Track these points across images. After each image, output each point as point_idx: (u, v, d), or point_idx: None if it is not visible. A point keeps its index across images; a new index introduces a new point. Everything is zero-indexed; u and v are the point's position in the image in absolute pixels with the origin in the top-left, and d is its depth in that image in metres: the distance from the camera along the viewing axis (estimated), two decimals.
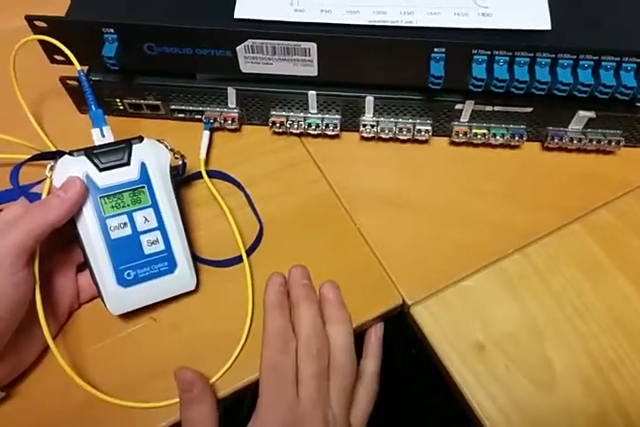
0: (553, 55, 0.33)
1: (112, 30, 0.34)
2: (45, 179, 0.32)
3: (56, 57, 0.36)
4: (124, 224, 0.32)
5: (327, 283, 0.35)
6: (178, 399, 0.31)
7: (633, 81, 0.33)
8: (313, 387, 0.31)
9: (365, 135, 0.40)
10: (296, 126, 0.39)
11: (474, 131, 0.39)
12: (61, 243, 0.34)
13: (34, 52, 0.35)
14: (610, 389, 0.32)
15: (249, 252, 0.36)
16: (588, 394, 0.32)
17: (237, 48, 0.35)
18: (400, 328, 0.36)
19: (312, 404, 0.30)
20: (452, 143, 0.40)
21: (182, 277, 0.33)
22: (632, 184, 0.39)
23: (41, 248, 0.30)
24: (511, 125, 0.39)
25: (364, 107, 0.38)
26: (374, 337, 0.36)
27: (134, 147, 0.33)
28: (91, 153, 0.32)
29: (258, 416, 0.30)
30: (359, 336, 0.35)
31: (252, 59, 0.35)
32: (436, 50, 0.33)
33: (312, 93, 0.38)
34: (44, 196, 0.31)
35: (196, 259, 0.36)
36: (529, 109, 0.38)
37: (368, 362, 0.35)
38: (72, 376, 0.30)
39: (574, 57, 0.33)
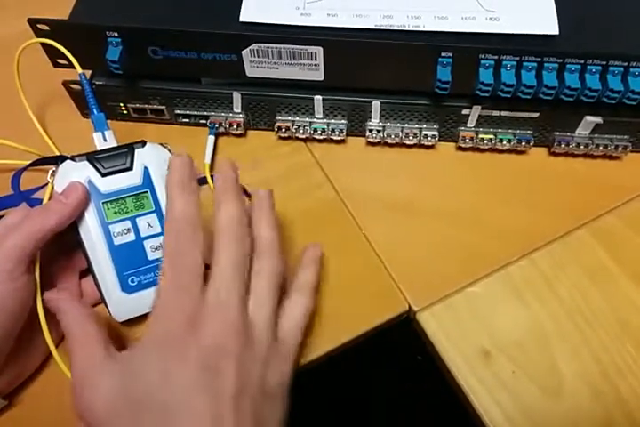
0: (560, 60, 0.33)
1: (116, 34, 0.34)
2: (47, 184, 0.32)
3: (59, 61, 0.36)
4: (128, 230, 0.32)
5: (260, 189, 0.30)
6: None
7: None
8: (228, 275, 0.26)
9: (371, 140, 0.39)
10: (302, 131, 0.39)
11: (480, 136, 0.39)
12: (64, 249, 0.33)
13: (37, 55, 0.35)
14: (617, 395, 0.32)
15: None
16: (596, 401, 0.32)
17: (243, 52, 0.34)
18: (406, 334, 0.36)
19: (225, 294, 0.25)
20: (459, 148, 0.40)
21: None
22: (638, 190, 0.39)
23: (43, 254, 0.30)
24: (518, 131, 0.39)
25: (370, 112, 0.38)
26: (312, 248, 0.32)
27: (137, 151, 0.32)
28: (93, 158, 0.32)
29: (153, 313, 0.26)
30: (364, 344, 0.34)
31: (257, 63, 0.35)
32: (443, 54, 0.33)
33: (318, 98, 0.37)
34: (45, 202, 0.31)
35: None
36: (536, 115, 0.37)
37: (305, 271, 0.31)
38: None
39: (582, 62, 0.33)
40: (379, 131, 0.39)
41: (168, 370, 0.25)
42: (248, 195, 0.38)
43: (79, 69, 0.33)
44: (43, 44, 0.34)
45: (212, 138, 0.39)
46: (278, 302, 0.29)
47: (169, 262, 0.27)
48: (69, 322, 0.28)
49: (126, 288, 0.32)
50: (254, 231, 0.29)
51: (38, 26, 0.34)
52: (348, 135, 0.40)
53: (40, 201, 0.31)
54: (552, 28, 0.34)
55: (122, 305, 0.32)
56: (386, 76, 0.35)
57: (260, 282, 0.28)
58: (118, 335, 0.33)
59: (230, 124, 0.39)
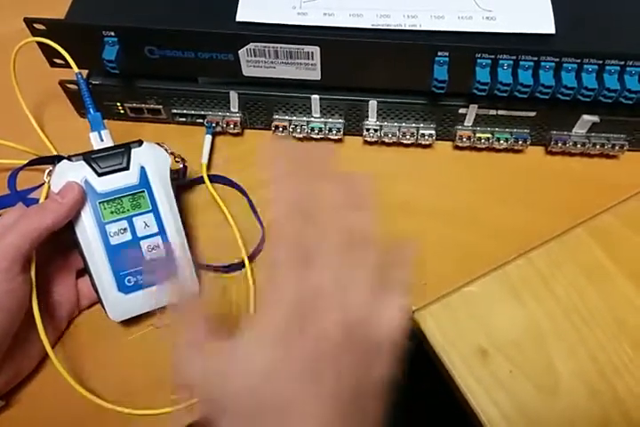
0: (557, 59, 0.33)
1: (112, 33, 0.34)
2: (43, 184, 0.31)
3: (56, 60, 0.36)
4: (124, 230, 0.32)
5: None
6: (180, 406, 0.31)
7: (637, 85, 0.33)
8: (334, 259, 0.25)
9: (369, 139, 0.39)
10: (299, 131, 0.39)
11: (478, 135, 0.39)
12: (60, 249, 0.33)
13: (34, 55, 0.35)
14: (614, 394, 0.32)
15: (251, 257, 0.36)
16: (592, 399, 0.32)
17: (239, 52, 0.34)
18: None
19: (332, 276, 0.25)
20: (456, 147, 0.40)
21: (184, 282, 0.33)
22: (636, 188, 0.39)
23: (39, 254, 0.30)
24: (515, 130, 0.39)
25: (367, 111, 0.38)
26: (409, 246, 0.29)
27: (133, 151, 0.32)
28: (89, 158, 0.32)
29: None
30: None
31: (254, 62, 0.35)
32: (439, 54, 0.33)
33: (315, 97, 0.37)
34: (41, 201, 0.31)
35: (198, 264, 0.35)
36: (533, 113, 0.37)
37: (400, 270, 0.29)
38: (72, 384, 0.30)
39: (578, 61, 0.33)
40: (376, 130, 0.39)
41: (274, 364, 0.23)
42: (243, 192, 0.38)
43: (75, 69, 0.33)
44: (39, 44, 0.34)
45: (209, 137, 0.39)
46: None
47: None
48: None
49: (123, 288, 0.32)
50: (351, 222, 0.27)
51: (35, 25, 0.34)
52: (345, 134, 0.40)
53: (36, 201, 0.31)
54: (548, 27, 0.34)
55: (118, 305, 0.32)
56: (383, 76, 0.35)
57: (359, 276, 0.26)
58: (114, 336, 0.33)
59: (227, 124, 0.39)
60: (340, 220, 0.27)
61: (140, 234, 0.32)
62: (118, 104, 0.39)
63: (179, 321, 0.26)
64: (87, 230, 0.31)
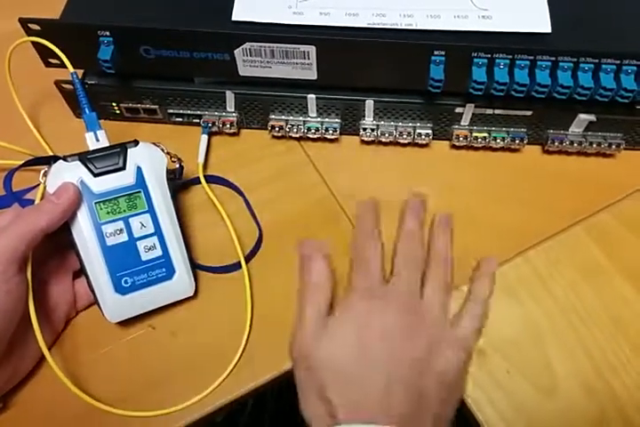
0: (553, 58, 0.33)
1: (108, 33, 0.34)
2: (39, 184, 0.31)
3: (51, 60, 0.36)
4: (121, 230, 0.32)
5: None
6: (177, 408, 0.31)
7: (633, 84, 0.33)
8: (404, 270, 0.32)
9: (365, 139, 0.39)
10: (295, 130, 0.39)
11: (474, 134, 0.39)
12: (57, 249, 0.33)
13: (29, 55, 0.35)
14: (611, 393, 0.32)
15: (248, 258, 0.36)
16: (589, 398, 0.32)
17: (235, 51, 0.34)
18: None
19: (403, 286, 0.32)
20: (453, 147, 0.40)
21: (180, 283, 0.33)
22: (632, 187, 0.39)
23: (35, 255, 0.30)
24: (511, 129, 0.39)
25: (363, 110, 0.38)
26: (488, 261, 0.35)
27: (129, 151, 0.32)
28: (85, 158, 0.31)
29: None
30: None
31: (250, 62, 0.35)
32: (435, 53, 0.33)
33: (311, 97, 0.37)
34: (37, 202, 0.31)
35: (195, 265, 0.35)
36: (529, 113, 0.37)
37: (479, 284, 0.34)
38: (68, 386, 0.29)
39: (574, 60, 0.33)
40: (372, 129, 0.39)
41: (355, 339, 0.30)
42: (239, 192, 0.38)
43: (71, 69, 0.33)
44: (34, 44, 0.34)
45: (205, 137, 0.39)
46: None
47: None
48: (313, 272, 0.32)
49: (120, 289, 0.31)
50: (431, 244, 0.35)
51: (29, 25, 0.33)
52: (341, 134, 0.40)
53: (32, 202, 0.31)
54: (544, 26, 0.34)
55: (115, 306, 0.32)
56: (379, 75, 0.35)
57: (431, 284, 0.32)
58: (111, 337, 0.33)
59: (223, 124, 0.39)
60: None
61: (136, 234, 0.32)
62: (114, 104, 0.39)
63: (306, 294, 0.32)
64: (83, 231, 0.31)
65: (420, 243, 0.34)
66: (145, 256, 0.32)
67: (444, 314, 0.32)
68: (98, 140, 0.33)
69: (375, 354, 0.29)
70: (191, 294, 0.34)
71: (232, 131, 0.40)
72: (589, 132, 0.38)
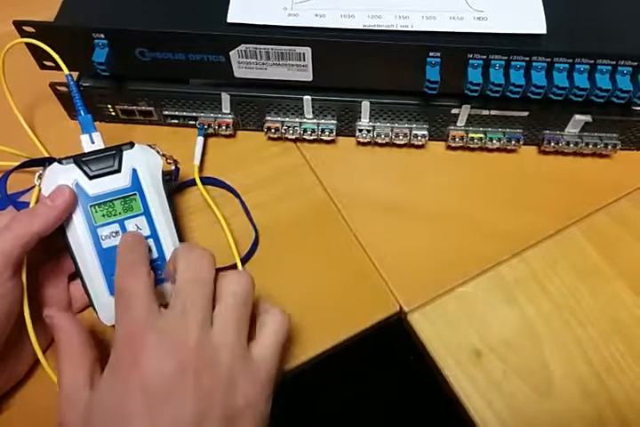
0: (549, 59, 0.33)
1: (102, 35, 0.34)
2: (34, 187, 0.31)
3: (45, 63, 0.35)
4: (116, 233, 0.31)
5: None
6: None
7: (629, 85, 0.33)
8: (187, 293, 0.26)
9: (361, 140, 0.39)
10: (291, 132, 0.39)
11: (470, 135, 0.39)
12: (51, 252, 0.33)
13: (24, 57, 0.35)
14: (607, 394, 0.32)
15: (244, 260, 0.36)
16: (586, 399, 0.32)
17: (230, 53, 0.34)
18: (398, 335, 0.35)
19: (182, 315, 0.25)
20: (449, 148, 0.40)
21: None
22: (629, 188, 0.39)
23: (30, 258, 0.30)
24: (508, 129, 0.39)
25: (359, 112, 0.38)
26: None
27: (125, 153, 0.32)
28: (80, 161, 0.31)
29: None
30: (356, 344, 0.34)
31: (245, 64, 0.35)
32: (431, 54, 0.33)
33: (307, 98, 0.37)
34: (31, 205, 0.31)
35: None
36: (525, 114, 0.37)
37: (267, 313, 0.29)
38: None
39: (570, 61, 0.33)
40: (369, 131, 0.39)
41: (122, 400, 0.25)
42: (236, 194, 0.38)
43: (66, 71, 0.33)
44: (29, 46, 0.34)
45: (201, 139, 0.39)
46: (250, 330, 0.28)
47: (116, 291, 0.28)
48: (62, 339, 0.28)
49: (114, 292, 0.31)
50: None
51: (24, 28, 0.33)
52: (337, 135, 0.40)
53: (27, 204, 0.31)
54: (540, 27, 0.34)
55: (110, 309, 0.31)
56: (375, 77, 0.35)
57: (224, 303, 0.27)
58: (107, 340, 0.33)
59: (219, 125, 0.39)
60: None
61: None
62: (109, 106, 0.39)
63: (62, 364, 0.27)
64: (78, 234, 0.31)
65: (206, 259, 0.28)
66: None
67: (235, 354, 0.26)
68: (93, 142, 0.33)
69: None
70: None
71: (228, 132, 0.40)
72: (585, 133, 0.38)
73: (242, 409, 0.25)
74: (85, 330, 0.29)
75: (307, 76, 0.35)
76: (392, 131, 0.39)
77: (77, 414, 0.26)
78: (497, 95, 0.34)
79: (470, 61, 0.33)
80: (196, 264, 0.28)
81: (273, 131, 0.39)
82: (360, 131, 0.39)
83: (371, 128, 0.39)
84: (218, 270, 0.28)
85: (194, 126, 0.40)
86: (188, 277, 0.27)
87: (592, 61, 0.33)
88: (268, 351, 0.27)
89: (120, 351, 0.26)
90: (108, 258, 0.31)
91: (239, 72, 0.35)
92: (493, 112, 0.37)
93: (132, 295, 0.27)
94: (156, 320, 0.26)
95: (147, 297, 0.27)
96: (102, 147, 0.33)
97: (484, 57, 0.33)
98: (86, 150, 0.33)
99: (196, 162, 0.38)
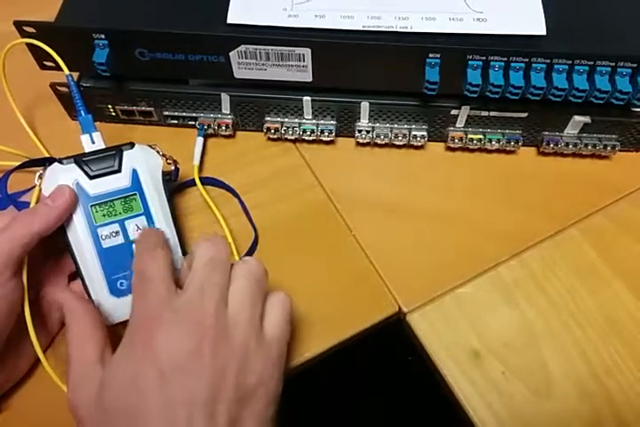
0: (548, 60, 0.33)
1: (103, 36, 0.34)
2: (34, 187, 0.31)
3: (46, 63, 0.36)
4: (116, 233, 0.32)
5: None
6: None
7: (628, 86, 0.33)
8: (203, 274, 0.27)
9: (361, 141, 0.39)
10: (291, 132, 0.39)
11: (469, 136, 0.39)
12: (52, 252, 0.33)
13: (24, 57, 0.35)
14: (606, 395, 0.32)
15: None
16: (585, 400, 0.32)
17: (230, 54, 0.34)
18: (397, 335, 0.36)
19: (199, 294, 0.26)
20: (448, 149, 0.40)
21: None
22: (628, 189, 0.39)
23: (31, 258, 0.30)
24: (507, 131, 0.39)
25: (359, 112, 0.38)
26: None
27: (125, 153, 0.32)
28: (80, 160, 0.31)
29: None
30: (355, 344, 0.34)
31: (245, 64, 0.35)
32: (431, 55, 0.33)
33: (307, 99, 0.37)
34: (32, 205, 0.31)
35: None
36: (524, 115, 0.37)
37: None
38: (64, 389, 0.29)
39: (569, 62, 0.33)
40: (368, 131, 0.39)
41: (136, 375, 0.25)
42: (235, 194, 0.38)
43: (66, 71, 0.33)
44: (29, 47, 0.34)
45: (200, 139, 0.39)
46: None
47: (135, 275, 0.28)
48: (72, 320, 0.29)
49: (115, 292, 0.31)
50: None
51: (24, 28, 0.33)
52: (337, 136, 0.40)
53: (28, 204, 0.31)
54: (539, 28, 0.34)
55: (111, 309, 0.32)
56: (374, 77, 0.35)
57: (238, 283, 0.28)
58: (115, 336, 0.33)
59: (219, 126, 0.39)
60: None
61: (132, 237, 0.32)
62: (109, 106, 0.39)
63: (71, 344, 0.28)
64: (79, 234, 0.31)
65: (222, 242, 0.29)
66: None
67: (251, 333, 0.26)
68: (93, 142, 0.33)
69: (151, 406, 0.24)
70: None
71: (228, 133, 0.40)
72: (585, 134, 0.39)
73: (254, 387, 0.26)
74: (95, 309, 0.30)
75: (306, 76, 0.36)
76: (391, 132, 0.39)
77: (89, 392, 0.26)
78: (496, 96, 0.34)
79: (470, 62, 0.33)
80: (210, 248, 0.28)
81: (272, 131, 0.39)
82: (359, 131, 0.39)
83: (370, 129, 0.39)
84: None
85: (194, 127, 0.40)
86: (204, 259, 0.28)
87: (591, 63, 0.33)
88: (277, 330, 0.28)
89: (135, 329, 0.26)
90: (108, 258, 0.31)
91: (239, 73, 0.36)
92: (493, 113, 0.37)
93: (150, 277, 0.27)
94: (172, 300, 0.26)
95: (164, 278, 0.27)
96: (103, 147, 0.33)
97: (484, 58, 0.33)
98: (87, 150, 0.33)
99: (196, 162, 0.38)
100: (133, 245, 0.30)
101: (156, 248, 0.29)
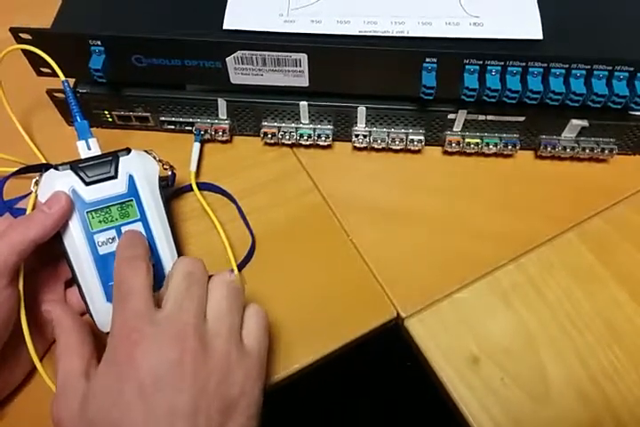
0: (545, 65, 0.33)
1: (99, 42, 0.34)
2: (30, 193, 0.31)
3: (42, 69, 0.36)
4: (113, 239, 0.31)
5: None
6: None
7: (625, 90, 0.33)
8: (181, 288, 0.27)
9: (358, 145, 0.39)
10: (288, 137, 0.39)
11: (467, 140, 0.39)
12: (48, 259, 0.33)
13: (20, 64, 0.35)
14: (605, 399, 0.32)
15: (241, 265, 0.36)
16: (584, 405, 0.32)
17: (227, 59, 0.34)
18: (395, 340, 0.35)
19: (178, 306, 0.26)
20: (445, 153, 0.40)
21: None
22: (625, 192, 0.39)
23: (27, 264, 0.30)
24: (504, 135, 0.39)
25: (356, 117, 0.38)
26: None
27: (121, 159, 0.32)
28: (76, 167, 0.31)
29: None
30: (354, 349, 0.34)
31: (241, 70, 0.35)
32: (427, 60, 0.33)
33: (303, 104, 0.37)
34: (28, 211, 0.31)
35: None
36: (521, 119, 0.37)
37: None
38: None
39: (566, 66, 0.33)
40: (365, 136, 0.39)
41: (119, 389, 0.25)
42: (232, 199, 0.38)
43: (62, 77, 0.33)
44: (25, 53, 0.34)
45: (197, 145, 0.39)
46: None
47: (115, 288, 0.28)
48: (60, 333, 0.29)
49: (111, 298, 0.31)
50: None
51: (20, 35, 0.33)
52: (334, 140, 0.40)
53: (24, 211, 0.31)
54: (536, 32, 0.34)
55: (107, 315, 0.31)
56: (371, 82, 0.35)
57: (216, 295, 0.28)
58: (103, 345, 0.33)
59: (216, 131, 0.39)
60: None
61: None
62: (106, 112, 0.39)
63: (59, 355, 0.28)
64: (75, 240, 0.31)
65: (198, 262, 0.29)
66: None
67: (230, 343, 0.27)
68: (90, 148, 0.33)
69: (134, 419, 0.24)
70: None
71: (224, 138, 0.40)
72: (582, 138, 0.39)
73: (237, 398, 0.26)
74: (84, 323, 0.30)
75: (303, 81, 0.35)
76: (388, 136, 0.39)
77: (73, 405, 0.26)
78: (493, 100, 0.34)
79: (466, 67, 0.33)
80: (187, 264, 0.29)
81: (269, 136, 0.39)
82: (356, 136, 0.39)
83: (367, 133, 0.39)
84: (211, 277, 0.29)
85: (190, 132, 0.40)
86: (181, 274, 0.28)
87: (588, 67, 0.33)
88: (257, 342, 0.28)
89: (116, 344, 0.26)
90: (104, 264, 0.31)
91: (235, 78, 0.36)
92: (490, 117, 0.37)
93: (130, 289, 0.27)
94: (152, 314, 0.26)
95: (144, 292, 0.27)
96: (99, 153, 0.33)
97: (481, 62, 0.33)
98: (83, 156, 0.33)
99: (193, 168, 0.38)
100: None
101: (137, 260, 0.28)
